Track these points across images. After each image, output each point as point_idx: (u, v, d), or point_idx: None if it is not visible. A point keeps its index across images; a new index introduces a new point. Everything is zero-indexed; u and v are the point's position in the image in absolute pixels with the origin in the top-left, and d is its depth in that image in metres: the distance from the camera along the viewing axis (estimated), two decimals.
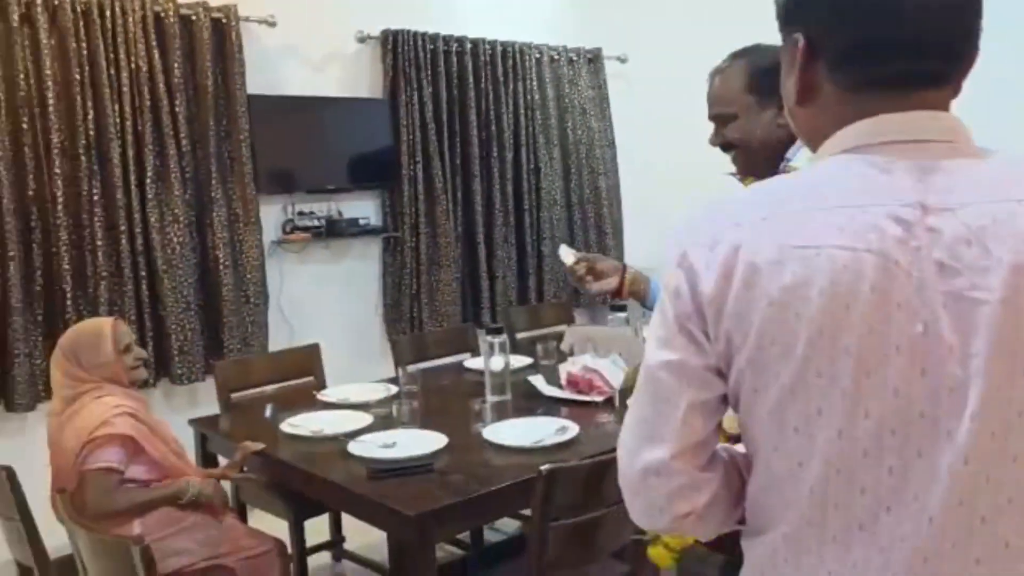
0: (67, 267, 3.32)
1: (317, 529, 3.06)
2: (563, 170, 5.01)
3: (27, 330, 3.26)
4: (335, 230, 4.10)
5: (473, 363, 3.28)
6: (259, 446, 2.34)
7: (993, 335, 0.73)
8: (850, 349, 0.75)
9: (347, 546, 3.29)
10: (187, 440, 2.66)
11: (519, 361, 3.12)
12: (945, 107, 0.82)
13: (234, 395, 3.02)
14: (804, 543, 0.80)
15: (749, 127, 1.61)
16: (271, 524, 2.74)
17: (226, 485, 2.60)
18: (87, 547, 1.71)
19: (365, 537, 3.22)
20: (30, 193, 3.25)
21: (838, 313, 0.75)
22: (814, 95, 0.85)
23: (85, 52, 3.32)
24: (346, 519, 3.25)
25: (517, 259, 4.78)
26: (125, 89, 3.42)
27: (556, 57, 4.94)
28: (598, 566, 2.17)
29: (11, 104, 3.19)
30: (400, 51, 4.23)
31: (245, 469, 2.40)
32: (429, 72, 4.35)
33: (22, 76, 3.19)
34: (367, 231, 4.25)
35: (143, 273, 3.52)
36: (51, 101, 3.25)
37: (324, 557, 3.29)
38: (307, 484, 2.30)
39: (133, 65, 3.44)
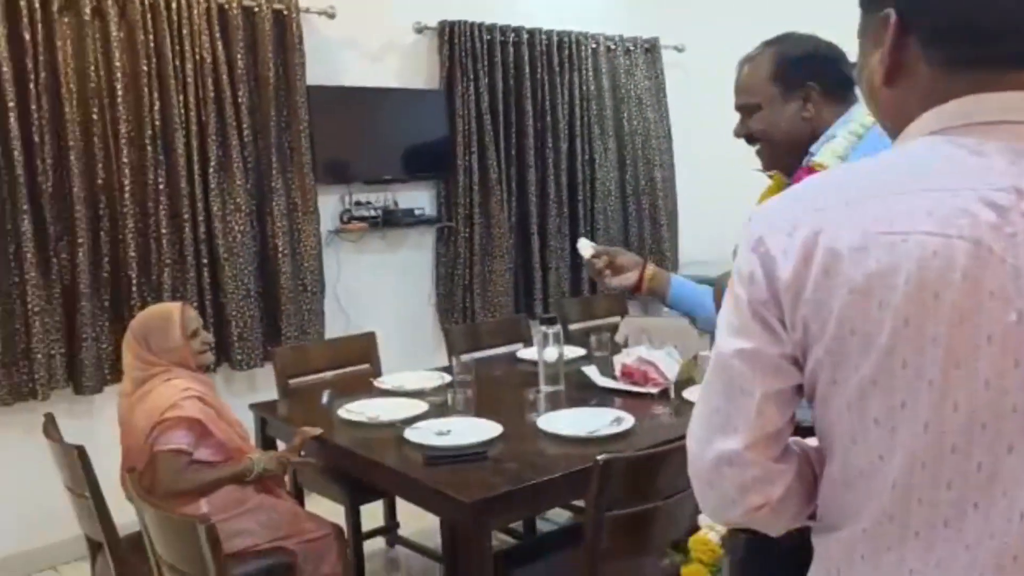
0: (133, 254, 3.41)
1: (372, 515, 3.10)
2: (618, 161, 4.98)
3: (94, 315, 3.36)
4: (391, 220, 4.14)
5: (526, 353, 3.29)
6: (317, 431, 2.39)
7: None
8: (938, 339, 0.72)
9: (401, 532, 3.34)
10: (247, 424, 2.72)
11: (572, 352, 3.12)
12: None
13: (292, 381, 3.08)
14: (884, 540, 0.78)
15: (773, 118, 1.57)
16: (328, 509, 2.79)
17: None
18: (155, 524, 1.76)
19: (419, 524, 3.27)
20: (99, 182, 3.34)
21: (926, 302, 0.72)
22: (901, 74, 0.82)
23: (152, 44, 3.40)
24: (400, 506, 3.30)
25: (571, 250, 4.76)
26: (190, 80, 3.49)
27: (612, 47, 4.91)
28: (651, 559, 2.16)
29: (83, 95, 3.29)
30: (457, 42, 4.25)
31: (303, 454, 2.44)
32: (485, 63, 4.36)
33: (93, 68, 3.29)
34: (422, 221, 4.28)
35: (205, 261, 3.60)
36: (120, 92, 3.34)
37: (379, 543, 3.34)
38: (363, 469, 2.34)
39: (197, 57, 3.51)
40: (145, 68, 3.38)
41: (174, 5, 3.44)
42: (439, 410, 2.56)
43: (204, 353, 2.46)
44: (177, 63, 3.46)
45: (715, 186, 4.63)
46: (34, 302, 3.18)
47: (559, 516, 3.46)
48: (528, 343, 3.53)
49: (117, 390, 3.39)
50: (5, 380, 3.15)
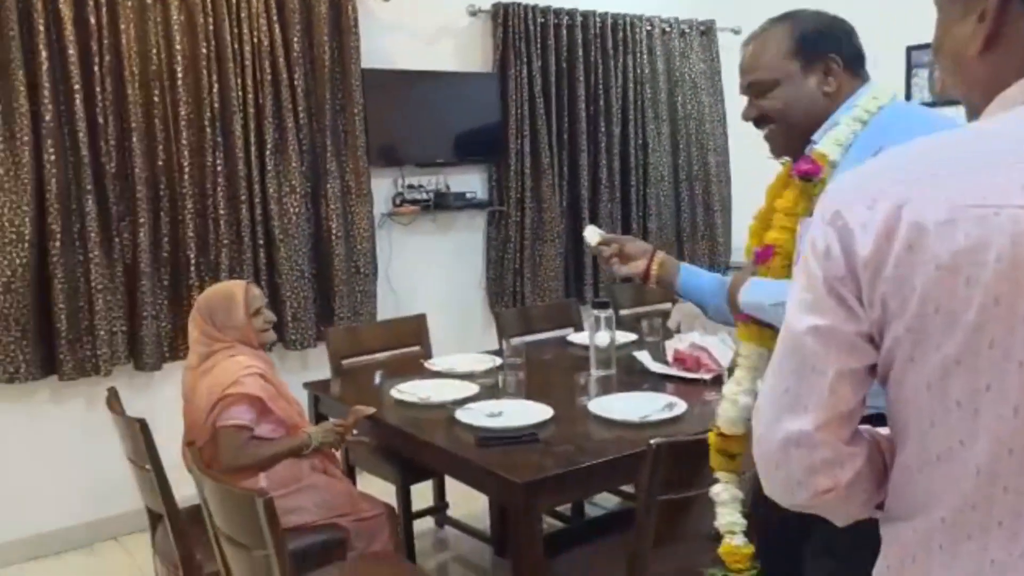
0: (192, 234, 3.48)
1: (421, 495, 3.13)
2: (671, 146, 4.92)
3: (154, 293, 3.44)
4: (442, 203, 4.16)
5: (576, 338, 3.28)
6: (370, 410, 2.41)
7: None
8: None
9: (450, 513, 3.36)
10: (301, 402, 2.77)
11: (623, 337, 3.10)
12: None
13: (344, 361, 3.12)
14: (964, 529, 0.75)
15: (792, 95, 1.51)
16: (379, 488, 2.82)
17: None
18: (214, 497, 1.80)
19: (468, 506, 3.29)
20: (160, 163, 3.41)
21: (1020, 279, 0.68)
22: (1000, 40, 0.78)
23: (211, 27, 3.45)
24: (449, 487, 3.32)
25: (623, 234, 4.73)
26: (247, 63, 3.54)
27: (667, 29, 4.84)
28: (699, 546, 2.15)
29: (144, 78, 3.36)
30: (510, 24, 4.23)
31: (356, 432, 2.47)
32: (539, 45, 4.33)
33: (154, 51, 3.35)
34: (473, 205, 4.29)
35: (261, 242, 3.66)
36: (180, 75, 3.40)
37: (428, 523, 3.37)
38: (415, 449, 2.36)
39: (255, 39, 3.56)
40: (204, 51, 3.44)
41: None
42: (490, 392, 2.57)
43: (266, 331, 2.50)
44: (235, 46, 3.51)
45: (770, 172, 4.53)
46: (97, 280, 3.27)
47: (607, 501, 3.45)
48: (578, 328, 3.52)
49: (176, 367, 3.50)
50: (70, 356, 3.25)
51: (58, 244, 3.19)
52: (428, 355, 3.20)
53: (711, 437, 1.68)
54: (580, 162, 4.53)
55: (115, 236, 3.34)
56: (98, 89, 3.24)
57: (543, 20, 4.34)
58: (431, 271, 4.25)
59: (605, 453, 2.06)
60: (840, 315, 0.78)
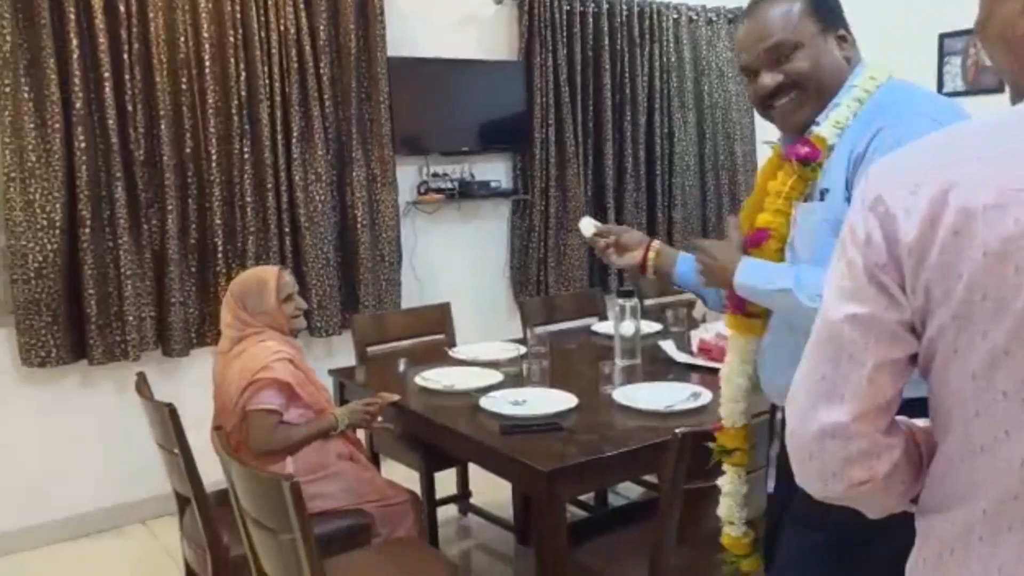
0: (219, 222, 3.51)
1: (444, 483, 3.14)
2: (698, 135, 4.88)
3: (182, 280, 3.47)
4: (467, 192, 4.16)
5: (601, 327, 3.27)
6: (395, 397, 2.42)
7: None
8: None
9: (473, 501, 3.38)
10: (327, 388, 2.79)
11: (648, 327, 3.08)
12: None
13: (369, 349, 3.13)
14: (1006, 520, 0.73)
15: (817, 56, 1.43)
16: (403, 475, 2.84)
17: (361, 435, 2.72)
18: (240, 480, 1.82)
19: (491, 494, 3.30)
20: (187, 150, 3.44)
21: None
22: None
23: (239, 15, 3.47)
24: (472, 475, 3.33)
25: (647, 225, 4.71)
26: (274, 51, 3.56)
27: (694, 17, 4.79)
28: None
29: (172, 65, 3.38)
30: (536, 12, 4.21)
31: (381, 419, 2.48)
32: (564, 34, 4.31)
33: (182, 39, 3.38)
34: (498, 193, 4.28)
35: (287, 229, 3.68)
36: (207, 62, 3.42)
37: (451, 510, 3.39)
38: (439, 436, 2.36)
39: (282, 27, 3.57)
40: (231, 39, 3.45)
41: None
42: (514, 380, 2.57)
43: (297, 318, 2.51)
44: (262, 34, 3.53)
45: None
46: (126, 266, 3.30)
47: (630, 491, 3.45)
48: (603, 317, 3.52)
49: (203, 353, 3.54)
50: (100, 341, 3.29)
51: (88, 230, 3.23)
52: (452, 343, 3.21)
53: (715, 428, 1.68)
54: (605, 151, 4.51)
55: (144, 223, 3.38)
56: (127, 77, 3.27)
57: (569, 8, 4.32)
58: (455, 259, 4.25)
59: (629, 442, 2.06)
60: (881, 303, 0.76)
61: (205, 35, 3.40)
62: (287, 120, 3.63)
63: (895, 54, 4.17)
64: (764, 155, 5.16)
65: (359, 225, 3.82)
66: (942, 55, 4.39)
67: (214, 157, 3.47)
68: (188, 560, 2.41)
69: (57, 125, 3.14)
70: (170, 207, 3.40)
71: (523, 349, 2.82)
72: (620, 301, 2.66)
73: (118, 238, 3.29)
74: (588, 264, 4.54)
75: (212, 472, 2.15)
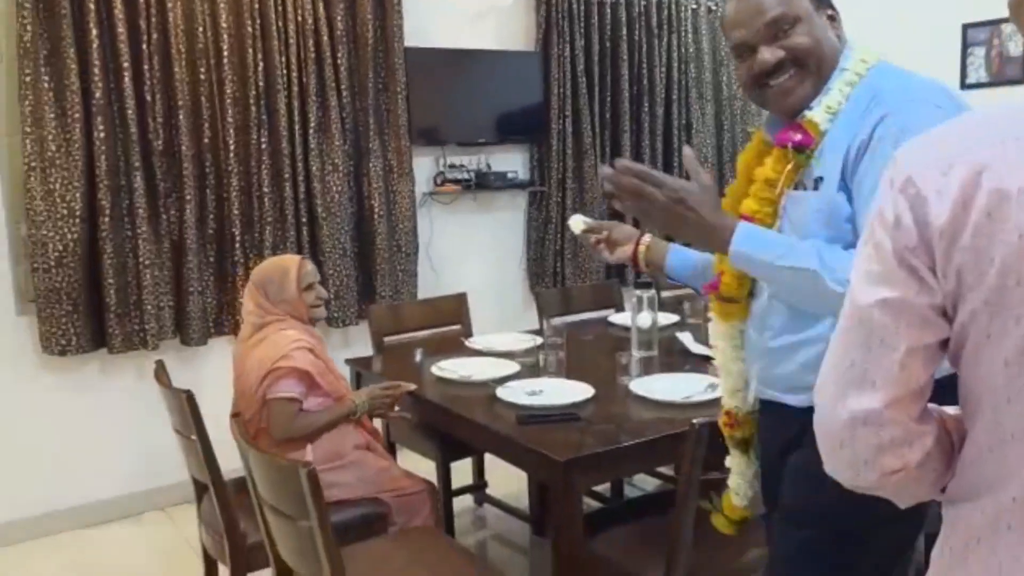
0: (236, 212, 3.52)
1: (459, 473, 3.15)
2: (715, 126, 4.85)
3: (200, 269, 3.49)
4: (484, 183, 4.15)
5: (618, 318, 3.26)
6: (412, 386, 2.43)
7: None
8: None
9: (489, 492, 3.38)
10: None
11: (665, 319, 3.07)
12: None
13: (385, 339, 3.14)
14: None
15: (817, 32, 1.38)
16: (418, 465, 2.84)
17: (378, 425, 2.72)
18: (258, 468, 1.83)
19: (507, 484, 3.31)
20: (206, 140, 3.45)
21: None
22: None
23: (256, 6, 3.47)
24: (488, 466, 3.34)
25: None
26: (292, 41, 3.56)
27: (713, 7, 4.75)
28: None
29: (191, 56, 3.40)
30: (553, 3, 4.20)
31: (397, 409, 2.49)
32: (582, 24, 4.29)
33: (200, 29, 3.38)
34: (514, 184, 4.27)
35: (304, 220, 3.69)
36: (225, 53, 3.43)
37: (467, 500, 3.39)
38: (455, 426, 2.37)
39: (300, 18, 3.57)
40: (250, 29, 3.46)
41: None
42: (530, 371, 2.57)
43: (317, 307, 2.51)
44: (280, 24, 3.53)
45: None
46: (145, 256, 3.32)
47: (645, 483, 3.45)
48: (620, 308, 3.51)
49: (221, 343, 3.56)
50: (119, 329, 3.32)
51: (107, 220, 3.25)
52: (468, 334, 3.21)
53: (722, 421, 1.65)
54: (622, 142, 4.49)
55: (162, 212, 3.40)
56: (146, 67, 3.28)
57: None
58: (472, 250, 4.25)
59: (646, 433, 2.05)
60: (912, 287, 0.75)
61: (223, 25, 3.41)
62: (304, 110, 3.64)
63: (918, 45, 4.14)
64: None
65: (376, 216, 3.83)
66: (965, 46, 4.34)
67: (232, 147, 3.48)
68: (206, 546, 2.43)
69: (77, 115, 3.16)
70: (188, 197, 3.41)
71: (539, 340, 2.82)
72: (637, 292, 2.65)
73: (137, 227, 3.31)
74: None
75: (230, 460, 2.16)
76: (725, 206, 1.48)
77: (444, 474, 2.94)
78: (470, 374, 2.53)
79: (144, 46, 3.27)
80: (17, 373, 3.25)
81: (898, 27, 4.25)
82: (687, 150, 1.46)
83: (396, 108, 3.85)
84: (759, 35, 1.38)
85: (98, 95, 3.18)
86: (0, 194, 3.20)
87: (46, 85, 3.11)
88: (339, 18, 3.67)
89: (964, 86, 4.31)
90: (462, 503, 3.32)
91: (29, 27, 3.05)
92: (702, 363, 2.59)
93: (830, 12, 1.43)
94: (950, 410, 0.83)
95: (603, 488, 3.29)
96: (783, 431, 1.49)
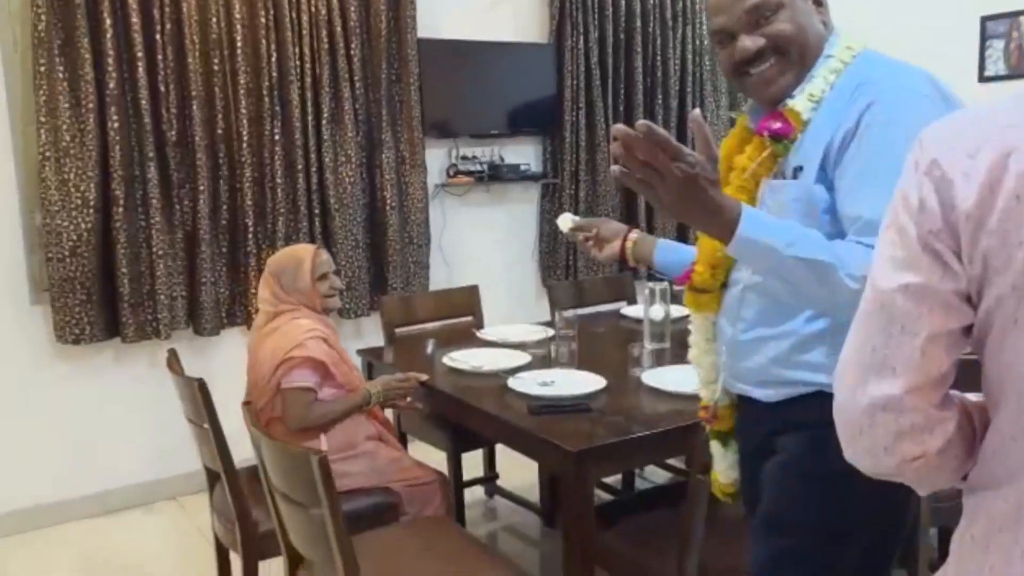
0: (249, 203, 3.53)
1: (469, 465, 3.15)
2: (729, 119, 4.82)
3: (213, 260, 3.50)
4: (496, 175, 4.14)
5: (630, 311, 3.25)
6: (423, 376, 2.42)
7: None
8: None
9: (500, 483, 3.38)
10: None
11: (678, 311, 3.04)
12: None
13: (397, 330, 3.14)
14: None
15: (799, 18, 1.33)
16: (430, 456, 2.84)
17: (390, 415, 2.72)
18: (270, 456, 1.83)
19: (518, 477, 3.30)
20: (219, 131, 3.46)
21: None
22: None
23: None
24: (499, 458, 3.33)
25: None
26: (305, 32, 3.56)
27: None
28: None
29: (205, 46, 3.40)
30: None
31: (409, 399, 2.48)
32: (596, 16, 4.27)
33: (214, 20, 3.39)
34: (527, 177, 4.26)
35: (316, 211, 3.69)
36: (239, 44, 3.43)
37: (477, 492, 3.39)
38: (467, 416, 2.36)
39: (313, 8, 3.57)
40: (263, 20, 3.46)
41: None
42: (542, 362, 2.57)
43: (331, 297, 2.51)
44: (293, 15, 3.53)
45: None
46: (158, 246, 3.33)
47: (655, 475, 3.43)
48: (632, 301, 3.49)
49: (234, 333, 3.57)
50: (132, 319, 3.33)
51: (121, 210, 3.26)
52: (480, 326, 3.21)
53: (700, 415, 1.62)
54: None
55: (176, 203, 3.40)
56: (160, 57, 3.29)
57: None
58: (484, 243, 4.24)
59: (658, 424, 2.04)
60: (936, 272, 0.73)
61: (237, 16, 3.41)
62: (317, 102, 3.63)
63: (936, 37, 4.10)
64: None
65: (388, 207, 3.83)
66: (984, 38, 4.29)
67: (245, 138, 3.48)
68: (218, 535, 2.44)
69: (91, 105, 3.17)
70: (202, 187, 3.42)
71: (551, 332, 2.81)
72: (650, 285, 2.64)
73: (151, 218, 3.32)
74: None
75: (242, 449, 2.17)
76: None
77: (455, 465, 2.94)
78: (481, 364, 2.53)
79: (158, 36, 3.27)
80: (31, 362, 3.27)
81: (916, 19, 4.20)
82: (695, 113, 1.30)
83: (409, 99, 3.84)
84: (740, 22, 1.34)
85: (112, 85, 3.19)
86: (15, 184, 3.21)
87: (60, 75, 3.12)
88: (352, 9, 3.66)
89: (982, 79, 4.26)
90: (473, 495, 3.32)
91: (43, 17, 3.06)
92: None
93: None
94: (972, 396, 0.81)
95: (614, 480, 3.28)
96: (756, 426, 1.47)
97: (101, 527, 3.33)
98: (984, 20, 4.25)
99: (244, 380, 2.49)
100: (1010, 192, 0.68)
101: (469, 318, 3.30)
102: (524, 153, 4.31)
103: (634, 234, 1.85)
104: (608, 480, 3.21)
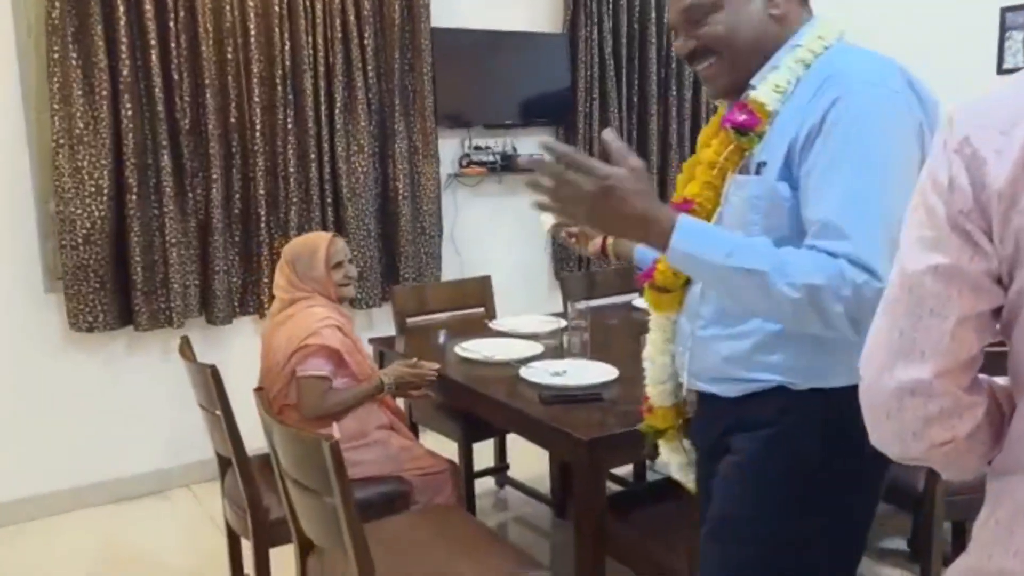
0: (262, 192, 3.53)
1: (481, 455, 3.14)
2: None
3: (225, 248, 3.50)
4: (509, 165, 4.13)
5: (642, 303, 3.21)
6: (435, 366, 2.42)
7: None
8: None
9: (511, 474, 3.37)
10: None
11: None
12: None
13: (409, 320, 3.13)
14: None
15: (737, 19, 1.29)
16: (441, 446, 2.84)
17: (401, 405, 2.72)
18: (281, 442, 1.82)
19: (529, 468, 3.29)
20: (232, 120, 3.46)
21: None
22: None
23: None
24: (510, 448, 3.33)
25: None
26: (319, 21, 3.55)
27: None
28: None
29: (218, 34, 3.40)
30: None
31: (422, 388, 2.48)
32: (610, 6, 4.25)
33: (228, 8, 3.38)
34: None
35: (329, 200, 3.69)
36: (252, 32, 3.42)
37: (488, 483, 3.39)
38: (479, 405, 2.35)
39: None
40: (276, 8, 3.45)
41: None
42: (554, 352, 2.56)
43: (346, 286, 2.50)
44: (307, 4, 3.52)
45: None
46: (171, 234, 3.34)
47: (666, 467, 3.41)
48: (643, 293, 3.47)
49: (246, 322, 3.57)
50: (145, 307, 3.34)
51: (135, 198, 3.26)
52: (492, 316, 3.20)
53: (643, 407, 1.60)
54: (649, 127, 4.44)
55: (189, 191, 3.41)
56: (173, 45, 3.29)
57: None
58: (496, 233, 4.23)
59: None
60: (965, 253, 0.72)
61: (250, 4, 3.40)
62: (330, 91, 3.63)
63: (954, 29, 4.04)
64: None
65: (400, 197, 3.82)
66: (1003, 30, 4.23)
67: (258, 127, 3.48)
68: (229, 521, 2.44)
69: (104, 92, 3.17)
70: (215, 176, 3.42)
71: (563, 322, 2.80)
72: None
73: (164, 206, 3.32)
74: None
75: (253, 437, 2.17)
76: (678, 183, 1.44)
77: (466, 455, 2.93)
78: (493, 354, 2.52)
79: (171, 24, 3.27)
80: (45, 350, 3.29)
81: (935, 10, 4.16)
82: (607, 131, 1.25)
83: (422, 89, 3.83)
84: (678, 20, 1.34)
85: (125, 73, 3.19)
86: (28, 171, 3.22)
87: (74, 62, 3.12)
88: None
89: (1001, 71, 4.22)
90: (484, 485, 3.31)
91: (57, 4, 3.06)
92: None
93: None
94: (1000, 380, 0.80)
95: (625, 472, 3.27)
96: (714, 423, 1.42)
97: (114, 514, 3.34)
98: (1004, 11, 4.20)
99: (256, 369, 2.49)
100: None
101: (481, 309, 3.30)
102: (537, 144, 4.28)
103: None
104: (619, 472, 3.19)
